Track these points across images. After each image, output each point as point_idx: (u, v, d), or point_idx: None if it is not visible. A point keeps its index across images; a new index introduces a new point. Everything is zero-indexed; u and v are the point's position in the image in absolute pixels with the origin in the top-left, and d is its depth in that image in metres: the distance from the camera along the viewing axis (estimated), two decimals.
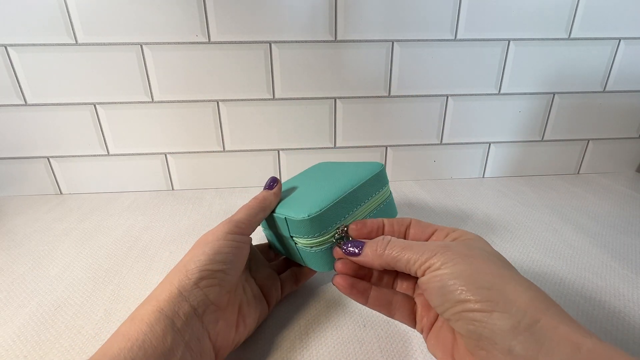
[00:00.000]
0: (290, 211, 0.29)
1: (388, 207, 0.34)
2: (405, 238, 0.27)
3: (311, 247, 0.29)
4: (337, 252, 0.27)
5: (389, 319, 0.31)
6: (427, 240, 0.26)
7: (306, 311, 0.32)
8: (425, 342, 0.24)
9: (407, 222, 0.28)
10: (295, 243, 0.30)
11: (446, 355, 0.22)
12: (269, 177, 0.33)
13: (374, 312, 0.32)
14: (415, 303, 0.26)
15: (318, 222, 0.28)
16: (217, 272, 0.25)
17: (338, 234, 0.28)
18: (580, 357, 0.16)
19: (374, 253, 0.24)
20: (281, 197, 0.33)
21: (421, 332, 0.25)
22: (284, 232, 0.30)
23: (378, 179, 0.32)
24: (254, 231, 0.29)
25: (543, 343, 0.17)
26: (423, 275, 0.21)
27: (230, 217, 0.29)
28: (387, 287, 0.27)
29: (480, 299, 0.18)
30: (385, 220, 0.28)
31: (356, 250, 0.25)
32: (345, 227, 0.28)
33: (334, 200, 0.29)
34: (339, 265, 0.27)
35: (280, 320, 0.31)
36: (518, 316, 0.17)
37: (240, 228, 0.28)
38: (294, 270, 0.34)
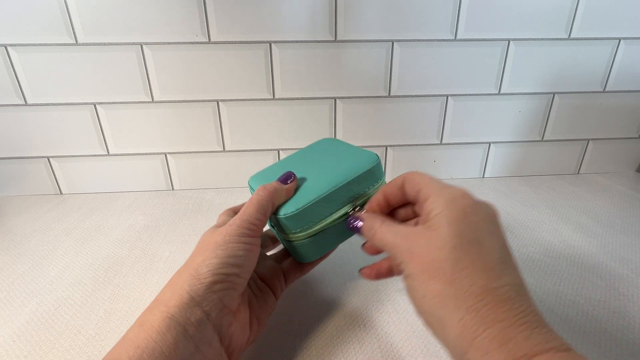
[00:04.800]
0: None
1: None
2: (403, 197, 0.26)
3: (295, 241, 0.29)
4: (366, 248, 0.29)
5: (388, 319, 0.31)
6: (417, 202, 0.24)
7: (306, 313, 0.32)
8: None
9: (400, 182, 0.26)
10: (278, 234, 0.30)
11: None
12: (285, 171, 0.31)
13: (373, 313, 0.32)
14: None
15: (295, 220, 0.28)
16: (230, 276, 0.24)
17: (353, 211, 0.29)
18: None
19: (368, 230, 0.25)
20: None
21: None
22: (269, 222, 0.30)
23: (370, 174, 0.30)
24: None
25: None
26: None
27: (241, 213, 0.26)
28: None
29: (429, 325, 0.20)
30: (379, 195, 0.27)
31: (358, 225, 0.26)
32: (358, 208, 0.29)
33: (314, 199, 0.28)
34: (365, 271, 0.28)
35: (280, 321, 0.31)
36: (451, 350, 0.19)
37: (252, 230, 0.26)
38: (294, 260, 0.32)
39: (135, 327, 0.21)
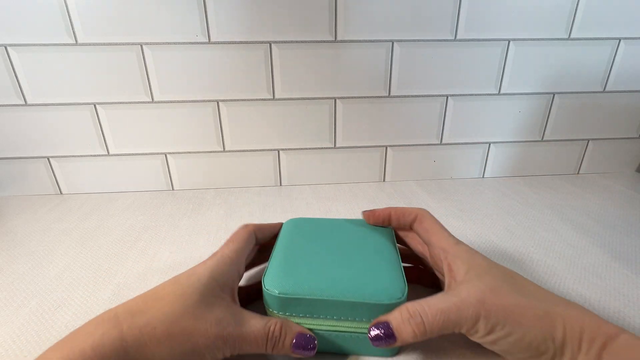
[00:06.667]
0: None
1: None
2: (408, 232, 0.33)
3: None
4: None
5: None
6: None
7: None
8: None
9: (413, 217, 0.31)
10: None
11: None
12: (304, 337, 0.25)
13: None
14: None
15: (279, 302, 0.26)
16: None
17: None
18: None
19: (415, 335, 0.22)
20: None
21: None
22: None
23: (381, 309, 0.25)
24: None
25: None
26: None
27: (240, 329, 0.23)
28: None
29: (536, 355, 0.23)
30: (392, 211, 0.32)
31: (391, 336, 0.23)
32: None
33: (308, 295, 0.25)
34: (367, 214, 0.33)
35: None
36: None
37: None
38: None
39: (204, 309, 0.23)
